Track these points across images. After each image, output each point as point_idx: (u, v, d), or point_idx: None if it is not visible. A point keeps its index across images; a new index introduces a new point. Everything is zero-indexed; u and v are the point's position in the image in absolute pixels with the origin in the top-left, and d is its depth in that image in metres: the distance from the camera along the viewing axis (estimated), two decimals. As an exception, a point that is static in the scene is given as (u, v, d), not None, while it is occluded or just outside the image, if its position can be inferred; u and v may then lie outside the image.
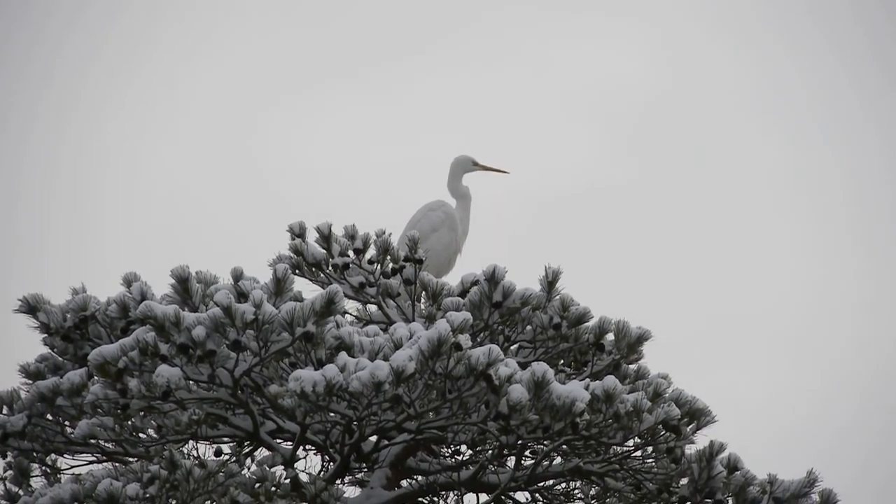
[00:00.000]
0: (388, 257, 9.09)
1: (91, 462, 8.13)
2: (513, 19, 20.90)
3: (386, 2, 20.91)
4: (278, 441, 8.28)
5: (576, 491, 8.70)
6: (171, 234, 19.55)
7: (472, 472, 8.34)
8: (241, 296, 7.75)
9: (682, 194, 20.20)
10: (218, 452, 8.18)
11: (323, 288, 7.71)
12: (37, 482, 8.14)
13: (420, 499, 8.57)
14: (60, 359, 8.43)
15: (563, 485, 8.68)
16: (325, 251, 9.15)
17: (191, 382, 7.60)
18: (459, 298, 8.68)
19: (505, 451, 8.06)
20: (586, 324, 8.66)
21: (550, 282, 8.66)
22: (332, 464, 8.34)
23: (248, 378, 7.73)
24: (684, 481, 7.96)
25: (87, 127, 19.95)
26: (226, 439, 8.25)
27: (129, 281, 8.27)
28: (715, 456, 7.84)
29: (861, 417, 17.08)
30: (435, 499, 8.79)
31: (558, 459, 8.26)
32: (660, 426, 7.78)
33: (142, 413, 7.76)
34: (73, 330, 8.36)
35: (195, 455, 8.19)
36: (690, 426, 7.93)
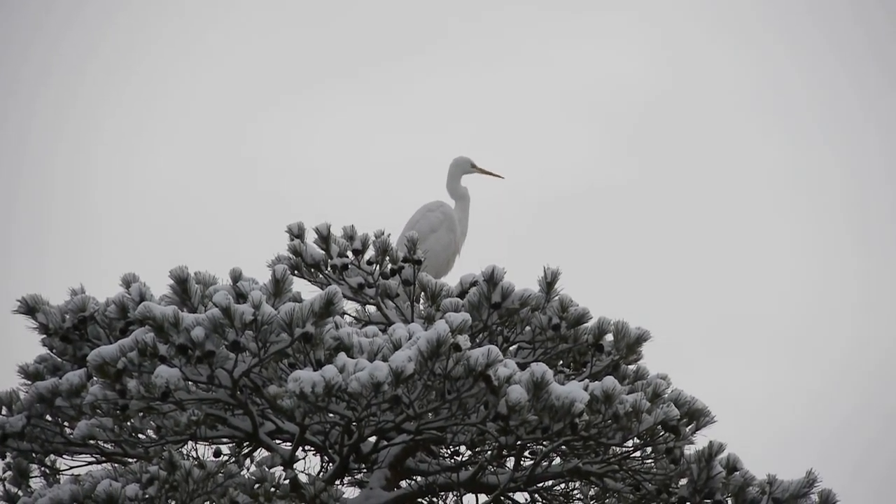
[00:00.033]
0: (387, 258, 9.09)
1: (90, 463, 8.14)
2: (513, 19, 20.91)
3: (386, 2, 20.92)
4: (277, 442, 8.28)
5: (575, 491, 8.70)
6: (169, 235, 19.55)
7: (471, 472, 8.34)
8: (240, 296, 7.75)
9: (682, 194, 20.21)
10: (217, 453, 8.18)
11: (322, 289, 7.72)
12: (36, 483, 8.14)
13: (419, 499, 8.57)
14: (59, 359, 8.43)
15: (563, 485, 8.68)
16: (323, 252, 9.15)
17: (190, 383, 7.60)
18: (458, 299, 8.68)
19: (504, 452, 8.06)
20: (585, 324, 8.66)
21: (549, 282, 8.67)
22: (331, 464, 8.34)
23: (248, 379, 7.73)
24: (683, 482, 7.96)
25: (86, 126, 19.95)
26: (225, 440, 8.25)
27: (127, 282, 8.27)
28: (714, 456, 7.84)
29: (860, 417, 17.09)
30: (434, 499, 8.79)
31: (557, 460, 8.26)
32: (659, 427, 7.78)
33: (141, 414, 7.76)
34: (71, 331, 8.36)
35: (194, 456, 8.19)
36: (689, 426, 7.93)
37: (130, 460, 7.93)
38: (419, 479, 8.56)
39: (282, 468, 7.92)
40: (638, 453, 7.99)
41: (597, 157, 20.92)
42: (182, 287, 7.81)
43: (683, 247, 19.45)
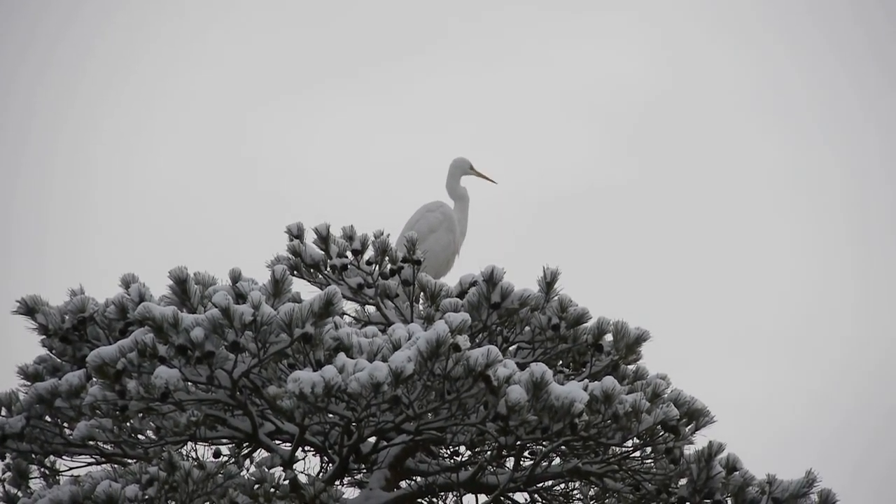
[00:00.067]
0: (387, 258, 9.09)
1: (90, 464, 8.13)
2: (513, 19, 20.91)
3: (386, 2, 20.92)
4: (277, 442, 8.28)
5: (575, 492, 8.70)
6: (169, 235, 19.55)
7: (471, 472, 8.34)
8: (240, 297, 7.74)
9: (682, 194, 20.21)
10: (217, 454, 8.18)
11: (321, 289, 7.71)
12: (35, 484, 8.14)
13: (419, 500, 8.57)
14: (59, 360, 8.43)
15: (562, 485, 8.68)
16: (323, 252, 9.15)
17: (189, 384, 7.59)
18: (458, 299, 8.68)
19: (504, 452, 8.06)
20: (585, 324, 8.66)
21: (549, 282, 8.67)
22: (330, 465, 8.34)
23: (247, 379, 7.73)
24: (683, 482, 7.96)
25: (85, 126, 19.95)
26: (224, 441, 8.25)
27: (127, 282, 8.27)
28: (714, 456, 7.84)
29: (860, 417, 17.09)
30: (434, 500, 8.80)
31: (557, 460, 8.25)
32: (658, 427, 7.78)
33: (140, 414, 7.76)
34: (71, 331, 8.35)
35: (194, 456, 8.19)
36: (689, 426, 7.93)
37: (130, 461, 7.92)
38: (419, 479, 8.56)
39: (281, 469, 7.92)
40: (638, 453, 7.99)
41: (597, 157, 20.93)
42: (181, 287, 7.81)
43: (683, 247, 19.46)
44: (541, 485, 8.55)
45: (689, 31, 20.85)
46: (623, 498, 8.17)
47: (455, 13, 21.00)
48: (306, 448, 8.51)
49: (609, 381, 7.63)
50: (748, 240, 19.81)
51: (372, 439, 8.16)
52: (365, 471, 8.73)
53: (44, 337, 8.43)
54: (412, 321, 8.93)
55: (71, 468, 8.16)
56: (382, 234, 9.12)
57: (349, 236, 9.16)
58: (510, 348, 8.82)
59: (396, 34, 21.02)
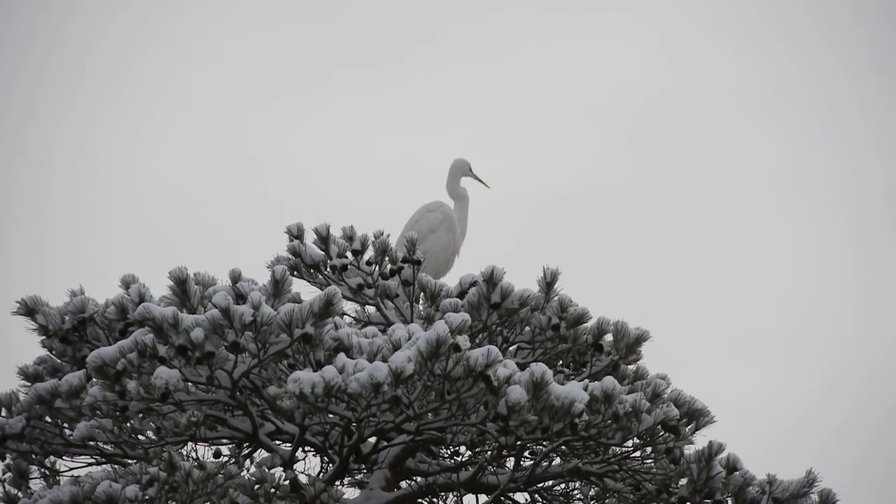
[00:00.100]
0: (387, 258, 9.08)
1: (90, 464, 8.13)
2: (513, 19, 20.90)
3: (386, 2, 20.92)
4: (277, 442, 8.28)
5: (575, 492, 8.70)
6: (169, 235, 19.55)
7: (471, 472, 8.34)
8: (240, 297, 7.74)
9: (682, 194, 20.21)
10: (217, 454, 8.18)
11: (321, 289, 7.71)
12: (36, 484, 8.13)
13: (419, 500, 8.57)
14: (59, 361, 8.43)
15: (563, 485, 8.68)
16: (323, 252, 9.15)
17: (189, 384, 7.59)
18: (458, 299, 8.68)
19: (504, 452, 8.06)
20: (585, 324, 8.66)
21: (549, 283, 8.66)
22: (331, 465, 8.34)
23: (247, 380, 7.73)
24: (683, 482, 7.96)
25: (85, 126, 19.95)
26: (225, 441, 8.25)
27: (127, 283, 8.27)
28: (714, 456, 7.84)
29: (860, 417, 17.09)
30: (434, 500, 8.79)
31: (557, 460, 8.25)
32: (659, 427, 7.78)
33: (140, 415, 7.76)
34: (71, 332, 8.35)
35: (194, 457, 8.19)
36: (689, 426, 7.93)
37: (130, 461, 7.92)
38: (419, 479, 8.56)
39: (282, 469, 7.92)
40: (638, 453, 7.99)
41: (597, 157, 20.93)
42: (181, 288, 7.81)
43: (683, 247, 19.46)
44: (541, 485, 8.55)
45: (689, 31, 20.85)
46: (623, 498, 8.17)
47: (455, 13, 21.01)
48: (306, 448, 8.51)
49: (609, 381, 7.63)
50: (748, 240, 19.82)
51: (372, 439, 8.16)
52: (365, 471, 8.73)
53: (44, 337, 8.42)
54: (412, 321, 8.93)
55: (71, 468, 8.17)
56: (382, 234, 9.12)
57: (349, 236, 9.16)
58: (510, 348, 8.81)
59: (397, 34, 21.03)
